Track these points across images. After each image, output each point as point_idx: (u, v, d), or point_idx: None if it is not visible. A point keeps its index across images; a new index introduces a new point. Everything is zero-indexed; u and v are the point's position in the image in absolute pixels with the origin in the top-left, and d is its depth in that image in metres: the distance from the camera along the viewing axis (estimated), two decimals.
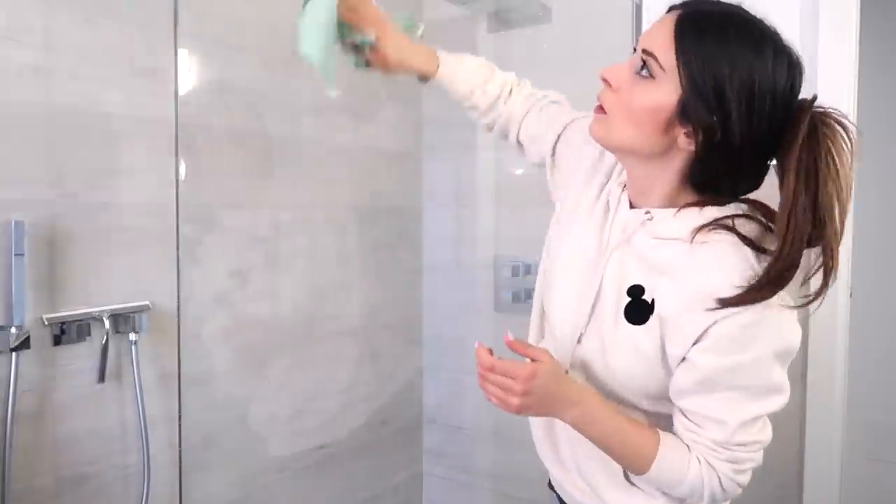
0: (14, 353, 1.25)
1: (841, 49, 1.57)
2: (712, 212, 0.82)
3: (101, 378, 1.39)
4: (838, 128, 0.75)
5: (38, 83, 1.30)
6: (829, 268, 0.75)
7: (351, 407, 2.04)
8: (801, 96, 0.79)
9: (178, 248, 1.52)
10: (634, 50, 0.81)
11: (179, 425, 1.55)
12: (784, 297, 0.78)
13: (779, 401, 0.82)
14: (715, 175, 0.81)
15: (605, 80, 0.83)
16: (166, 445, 1.53)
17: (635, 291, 0.85)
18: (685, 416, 0.85)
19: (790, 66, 0.78)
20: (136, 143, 1.46)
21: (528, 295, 2.08)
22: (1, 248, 1.24)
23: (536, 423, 1.03)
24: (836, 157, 0.73)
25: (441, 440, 2.30)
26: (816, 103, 0.76)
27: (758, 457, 0.84)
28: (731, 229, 0.80)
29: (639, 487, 0.91)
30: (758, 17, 0.79)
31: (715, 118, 0.75)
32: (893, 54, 2.45)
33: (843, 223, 0.74)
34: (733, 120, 0.75)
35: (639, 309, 0.84)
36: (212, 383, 1.65)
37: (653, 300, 0.83)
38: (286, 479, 1.85)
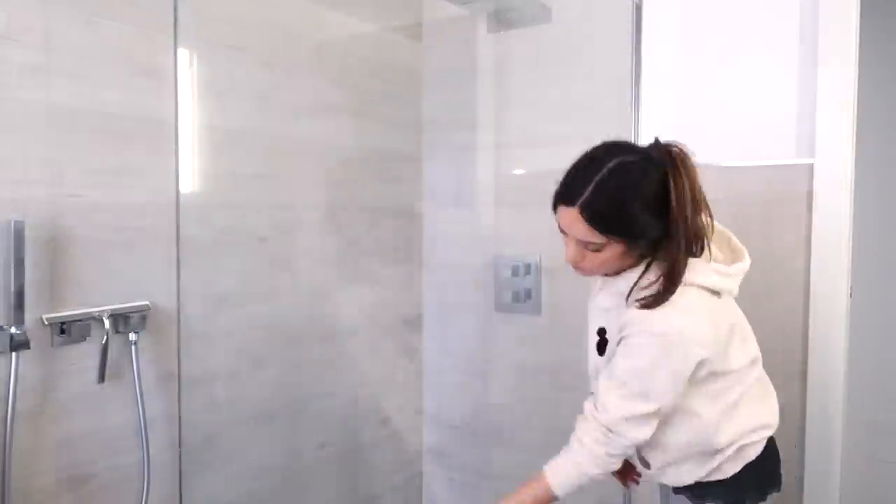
0: (14, 353, 1.25)
1: (841, 49, 1.57)
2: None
3: (101, 378, 1.39)
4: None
5: (38, 83, 1.30)
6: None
7: (351, 407, 2.04)
8: None
9: (178, 248, 1.52)
10: (564, 233, 1.17)
11: (179, 425, 1.55)
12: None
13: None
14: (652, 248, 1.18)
15: (573, 264, 1.19)
16: (166, 445, 1.54)
17: None
18: None
19: (652, 162, 1.11)
20: (136, 142, 1.46)
21: (528, 295, 2.09)
22: (1, 248, 1.24)
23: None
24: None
25: (441, 440, 2.30)
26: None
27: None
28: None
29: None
30: (616, 158, 1.11)
31: (641, 234, 1.14)
32: (893, 54, 2.45)
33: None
34: (649, 227, 1.12)
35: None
36: (212, 383, 1.65)
37: None
38: (286, 479, 1.85)
